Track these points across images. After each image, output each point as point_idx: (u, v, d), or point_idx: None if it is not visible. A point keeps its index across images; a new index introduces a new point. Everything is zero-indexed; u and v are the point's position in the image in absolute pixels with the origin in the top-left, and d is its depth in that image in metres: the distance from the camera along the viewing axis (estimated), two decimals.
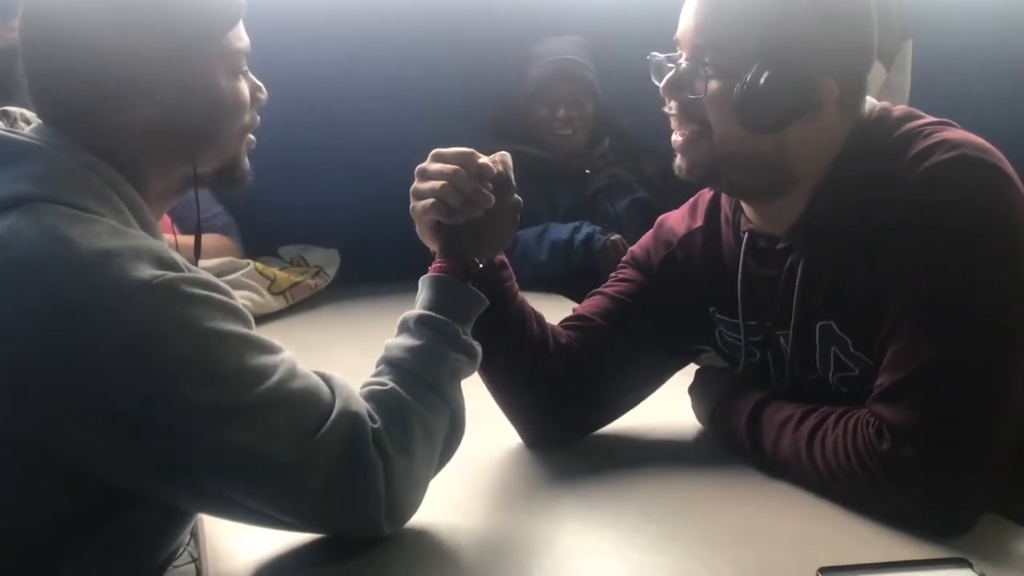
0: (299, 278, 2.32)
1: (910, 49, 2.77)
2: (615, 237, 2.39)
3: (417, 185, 1.13)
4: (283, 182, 2.38)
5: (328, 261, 2.47)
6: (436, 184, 1.10)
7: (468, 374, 1.09)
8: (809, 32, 1.08)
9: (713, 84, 1.11)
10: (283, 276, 2.29)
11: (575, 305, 1.38)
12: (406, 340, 1.06)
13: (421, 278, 1.12)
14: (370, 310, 2.28)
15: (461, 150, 1.13)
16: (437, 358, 1.04)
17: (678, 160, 1.18)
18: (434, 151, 1.14)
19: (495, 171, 1.14)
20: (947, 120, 1.13)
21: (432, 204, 1.10)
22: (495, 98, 2.69)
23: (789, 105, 1.08)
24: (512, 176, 1.16)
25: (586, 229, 2.42)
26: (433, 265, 1.14)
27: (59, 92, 0.98)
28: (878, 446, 1.03)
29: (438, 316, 1.06)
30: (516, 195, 1.17)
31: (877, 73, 2.58)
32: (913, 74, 2.82)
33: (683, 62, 1.14)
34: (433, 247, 1.16)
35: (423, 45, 2.68)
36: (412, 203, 1.13)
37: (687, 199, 1.37)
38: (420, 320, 1.06)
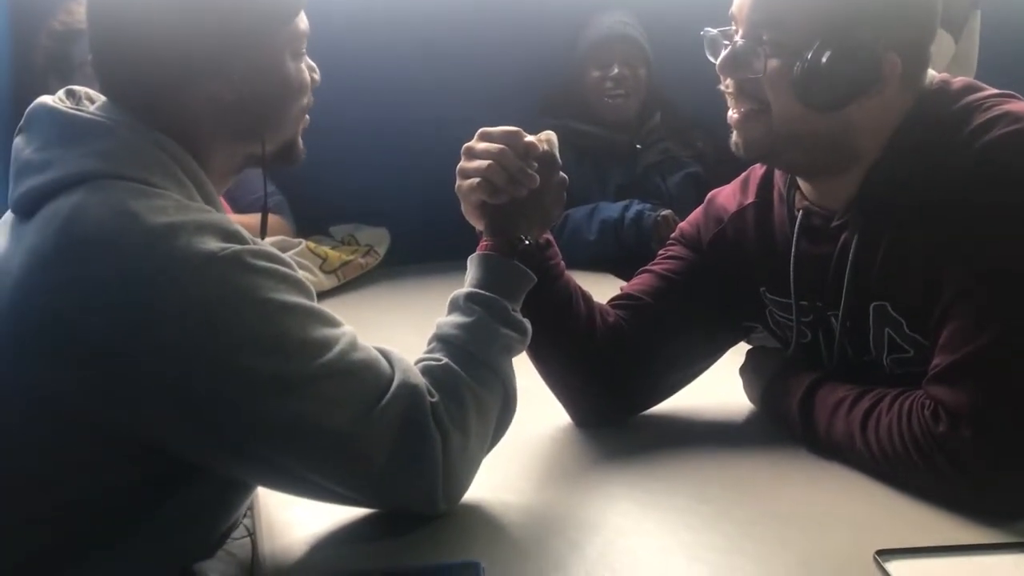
0: (350, 257, 2.34)
1: (978, 19, 2.69)
2: (666, 212, 2.37)
3: (463, 164, 1.13)
4: (334, 161, 2.38)
5: (379, 240, 2.48)
6: (482, 163, 1.10)
7: (519, 351, 1.10)
8: (872, 4, 1.05)
9: (772, 62, 1.09)
10: (334, 255, 2.31)
11: (623, 284, 1.37)
12: (457, 318, 1.06)
13: (469, 257, 1.13)
14: (420, 289, 2.29)
15: (507, 129, 1.13)
16: (488, 334, 1.05)
17: (735, 137, 1.16)
18: (481, 130, 1.14)
19: (540, 149, 1.13)
20: (1010, 92, 1.10)
21: (478, 183, 1.11)
22: (545, 75, 2.68)
23: (852, 82, 1.06)
24: (557, 154, 1.16)
25: (636, 207, 2.41)
26: (480, 244, 1.14)
27: (128, 71, 0.99)
28: (934, 429, 1.01)
29: (486, 293, 1.07)
30: (562, 173, 1.16)
31: (946, 44, 2.52)
32: (980, 45, 2.75)
33: (739, 39, 1.11)
34: (479, 226, 1.16)
35: (473, 23, 2.67)
36: (458, 182, 1.14)
37: (740, 173, 1.35)
38: (469, 297, 1.07)
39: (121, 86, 1.00)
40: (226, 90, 0.99)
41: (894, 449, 1.05)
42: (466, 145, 1.13)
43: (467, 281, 1.10)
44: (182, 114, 0.99)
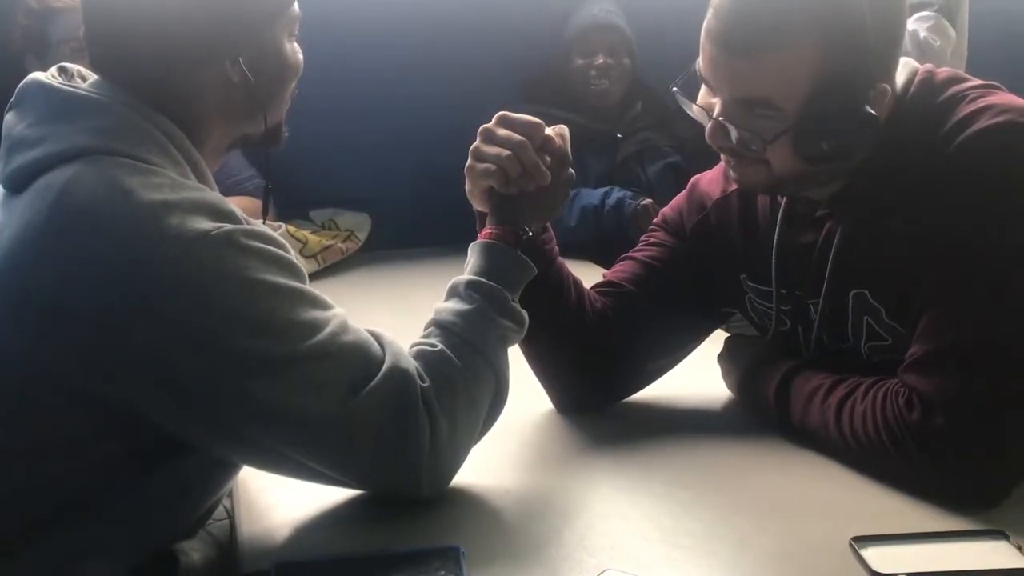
0: (330, 241, 2.33)
1: (967, 7, 2.71)
2: (646, 201, 2.38)
3: (481, 146, 1.12)
4: (315, 145, 2.38)
5: (359, 225, 2.47)
6: (501, 152, 1.09)
7: (515, 341, 1.10)
8: (857, 53, 1.02)
9: (766, 134, 1.05)
10: (314, 239, 2.30)
11: (605, 272, 1.38)
12: (456, 304, 1.06)
13: (471, 244, 1.12)
14: (401, 274, 2.29)
15: (529, 119, 1.12)
16: (486, 323, 1.05)
17: (732, 175, 1.15)
18: (501, 114, 1.12)
19: (557, 145, 1.13)
20: (994, 83, 1.10)
21: (493, 171, 1.10)
22: (527, 61, 2.68)
23: (852, 128, 1.03)
24: (569, 150, 1.15)
25: (617, 194, 2.41)
26: (484, 231, 1.13)
27: (128, 52, 0.99)
28: (908, 416, 1.02)
29: (487, 282, 1.07)
30: (571, 169, 1.16)
31: (952, 35, 2.54)
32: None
33: (721, 118, 1.07)
34: (482, 208, 1.16)
35: (456, 8, 2.66)
36: (471, 162, 1.13)
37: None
38: (470, 285, 1.07)
39: (119, 66, 1.00)
40: (235, 71, 1.00)
41: (867, 436, 1.06)
42: (485, 127, 1.12)
43: (468, 268, 1.10)
44: (186, 94, 1.00)
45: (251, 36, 1.01)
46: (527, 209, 1.13)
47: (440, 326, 1.05)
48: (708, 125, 1.09)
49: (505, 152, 1.09)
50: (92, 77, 1.02)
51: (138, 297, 0.87)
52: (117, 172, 0.91)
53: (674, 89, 1.13)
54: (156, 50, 0.98)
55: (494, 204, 1.14)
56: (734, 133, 1.07)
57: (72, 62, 1.05)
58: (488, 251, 1.10)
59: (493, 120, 1.12)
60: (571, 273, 1.27)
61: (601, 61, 2.57)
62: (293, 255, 0.97)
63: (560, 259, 1.25)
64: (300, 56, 1.08)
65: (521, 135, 1.10)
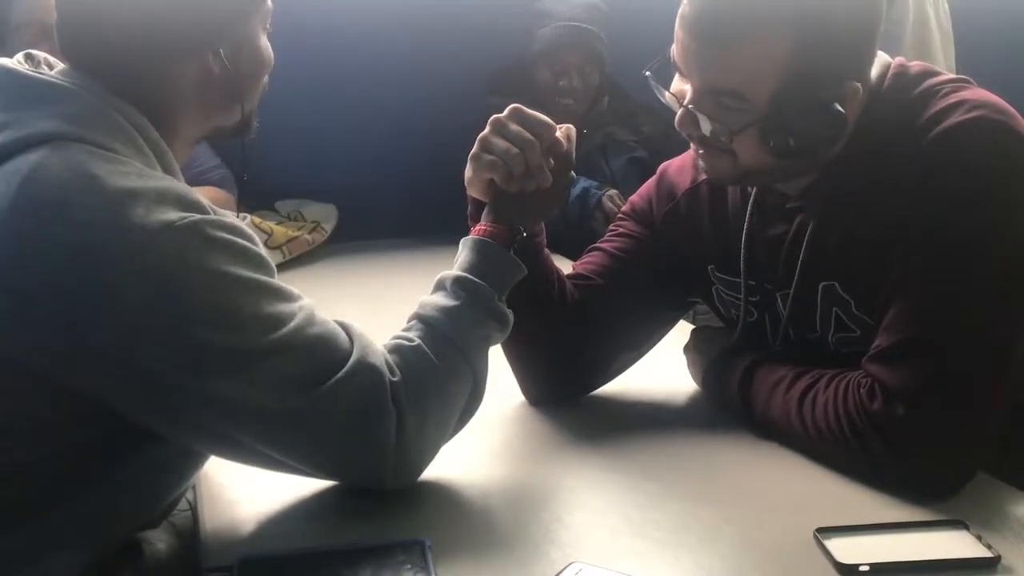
0: (296, 233, 2.31)
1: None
2: (611, 192, 2.38)
3: (490, 137, 1.10)
4: (281, 136, 2.35)
5: (326, 216, 2.46)
6: (510, 148, 1.08)
7: (497, 341, 1.08)
8: (832, 52, 1.02)
9: (735, 125, 1.05)
10: (280, 230, 2.28)
11: (573, 263, 1.38)
12: (440, 299, 1.05)
13: (464, 239, 1.11)
14: (367, 266, 2.27)
15: (542, 119, 1.11)
16: (469, 321, 1.04)
17: (701, 164, 1.15)
18: (515, 107, 1.11)
19: (563, 147, 1.12)
20: (965, 78, 1.11)
21: (498, 166, 1.09)
22: (495, 54, 2.66)
23: (820, 125, 1.04)
24: (573, 152, 1.15)
25: (582, 184, 2.41)
26: (478, 227, 1.12)
27: (104, 40, 0.98)
28: (869, 405, 1.03)
29: (476, 280, 1.06)
30: (572, 172, 1.15)
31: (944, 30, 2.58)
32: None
33: (692, 105, 1.07)
34: (479, 198, 1.15)
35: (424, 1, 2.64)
36: (477, 150, 1.11)
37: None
38: (457, 281, 1.06)
39: (90, 53, 0.98)
40: (216, 63, 1.00)
41: (828, 427, 1.06)
42: (497, 118, 1.10)
43: (458, 263, 1.08)
44: (162, 84, 0.99)
45: (232, 28, 1.01)
46: (525, 208, 1.12)
47: (422, 320, 1.04)
48: (678, 112, 1.09)
49: (514, 149, 1.08)
50: (59, 65, 1.00)
51: (100, 286, 0.86)
52: (84, 159, 0.89)
53: (647, 74, 1.13)
54: (134, 39, 0.97)
55: (493, 199, 1.13)
56: (704, 122, 1.07)
57: (33, 47, 1.03)
58: (480, 248, 1.09)
59: (506, 112, 1.11)
60: (555, 266, 1.26)
61: (566, 83, 2.50)
62: (261, 247, 0.95)
63: (547, 251, 1.24)
64: (271, 50, 1.07)
65: (532, 133, 1.09)
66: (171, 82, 0.99)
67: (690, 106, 1.07)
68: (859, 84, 1.05)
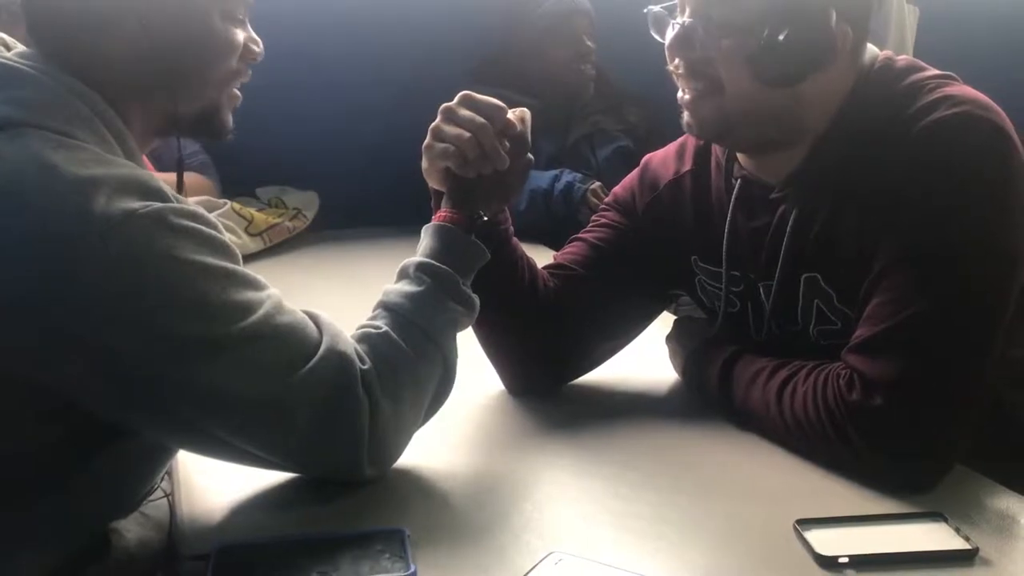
0: (277, 220, 2.30)
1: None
2: (595, 185, 2.38)
3: (440, 125, 1.10)
4: (262, 122, 2.32)
5: (307, 203, 2.44)
6: (462, 133, 1.08)
7: (465, 326, 1.08)
8: None
9: (725, 41, 1.07)
10: (261, 217, 2.27)
11: (556, 253, 1.37)
12: (405, 286, 1.04)
13: (424, 226, 1.11)
14: (348, 253, 2.26)
15: (492, 102, 1.10)
16: (434, 307, 1.03)
17: (687, 118, 1.15)
18: (465, 94, 1.10)
19: (517, 129, 1.12)
20: (950, 73, 1.12)
21: (451, 152, 1.08)
22: (478, 41, 2.66)
23: (808, 57, 1.05)
24: (529, 134, 1.14)
25: (566, 177, 2.41)
26: (438, 213, 1.11)
27: (49, 16, 0.96)
28: (847, 396, 1.03)
29: (438, 265, 1.05)
30: (530, 154, 1.15)
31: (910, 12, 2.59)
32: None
33: (687, 19, 1.09)
34: (438, 187, 1.14)
35: None
36: (429, 140, 1.11)
37: None
38: (420, 267, 1.05)
39: (44, 27, 0.96)
40: (143, 36, 0.96)
41: (807, 417, 1.06)
42: (447, 106, 1.10)
43: (419, 250, 1.08)
44: (98, 60, 0.95)
45: (164, 2, 0.96)
46: (483, 193, 1.12)
47: (387, 308, 1.03)
48: (670, 35, 1.10)
49: (466, 134, 1.08)
50: (19, 47, 0.98)
51: (63, 279, 0.83)
52: (42, 146, 0.87)
53: (649, 9, 1.13)
54: (74, 7, 0.94)
55: (450, 186, 1.12)
56: (697, 35, 1.08)
57: (9, 31, 1.01)
58: (441, 234, 1.08)
59: (456, 99, 1.10)
60: (525, 255, 1.26)
61: (584, 48, 2.57)
62: (225, 234, 0.94)
63: (515, 240, 1.24)
64: (238, 39, 1.02)
65: (483, 117, 1.09)
66: (106, 56, 0.96)
67: (685, 21, 1.08)
68: (850, 29, 1.06)
